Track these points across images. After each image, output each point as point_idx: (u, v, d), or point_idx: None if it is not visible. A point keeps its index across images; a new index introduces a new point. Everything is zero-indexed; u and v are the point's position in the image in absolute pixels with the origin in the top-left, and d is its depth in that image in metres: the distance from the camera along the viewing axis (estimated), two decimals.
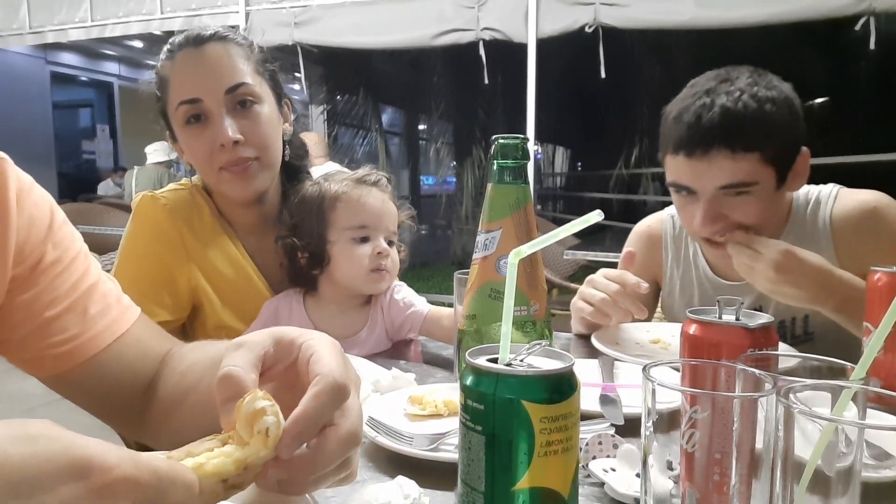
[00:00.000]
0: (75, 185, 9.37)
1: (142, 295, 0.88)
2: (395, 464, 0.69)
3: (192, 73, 1.16)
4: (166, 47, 1.20)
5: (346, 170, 1.30)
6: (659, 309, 1.53)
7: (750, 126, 1.08)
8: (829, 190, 1.26)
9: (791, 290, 1.04)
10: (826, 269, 1.05)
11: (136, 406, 0.76)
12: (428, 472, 0.64)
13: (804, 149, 1.17)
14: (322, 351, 0.50)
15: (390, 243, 1.20)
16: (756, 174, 1.11)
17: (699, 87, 1.14)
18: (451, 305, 1.09)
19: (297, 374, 0.52)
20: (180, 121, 1.17)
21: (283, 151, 1.26)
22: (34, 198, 0.72)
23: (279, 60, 1.28)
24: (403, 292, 1.26)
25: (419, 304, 1.24)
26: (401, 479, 0.60)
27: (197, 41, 1.16)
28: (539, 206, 10.37)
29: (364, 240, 1.17)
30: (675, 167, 1.16)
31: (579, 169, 13.23)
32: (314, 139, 4.49)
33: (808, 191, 1.27)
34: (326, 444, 0.47)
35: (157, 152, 6.20)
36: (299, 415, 0.45)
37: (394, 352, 1.23)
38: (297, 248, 1.19)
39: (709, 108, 1.09)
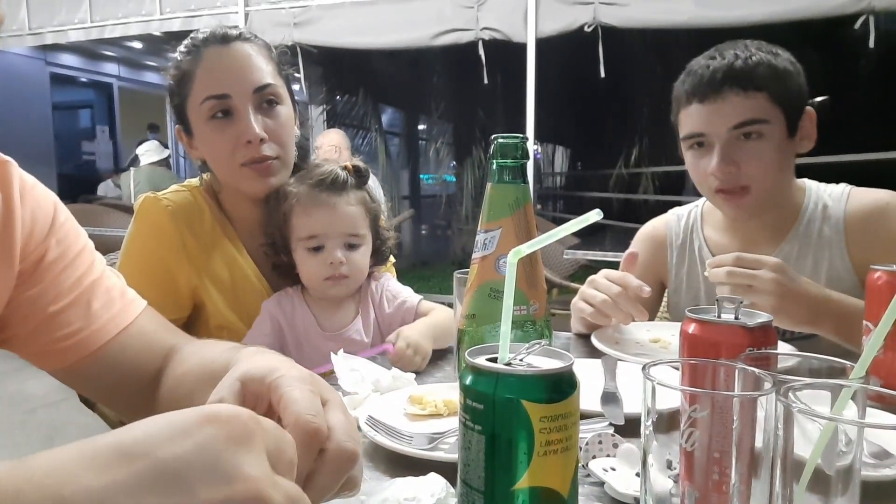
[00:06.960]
0: (75, 185, 9.34)
1: (143, 295, 0.88)
2: (395, 463, 0.69)
3: (222, 69, 1.17)
4: (188, 42, 1.20)
5: (325, 162, 1.28)
6: (663, 308, 1.52)
7: (758, 67, 1.16)
8: (840, 189, 1.26)
9: (792, 306, 1.01)
10: (820, 292, 1.04)
11: (141, 397, 0.77)
12: (427, 472, 0.64)
13: (810, 108, 1.22)
14: (289, 391, 0.46)
15: (352, 247, 1.19)
16: (766, 112, 1.17)
17: (707, 52, 1.22)
18: (451, 305, 1.09)
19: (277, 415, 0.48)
20: (205, 115, 1.17)
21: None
22: (36, 195, 0.74)
23: (294, 66, 1.28)
24: (391, 285, 1.28)
25: (406, 293, 1.27)
26: (432, 475, 0.60)
27: (224, 39, 1.18)
28: (539, 206, 10.35)
29: (318, 249, 1.17)
30: (689, 117, 1.23)
31: (579, 168, 13.21)
32: (337, 138, 4.39)
33: (818, 194, 1.27)
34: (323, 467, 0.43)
35: (149, 153, 6.18)
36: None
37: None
38: (274, 250, 1.22)
39: (719, 59, 1.18)
